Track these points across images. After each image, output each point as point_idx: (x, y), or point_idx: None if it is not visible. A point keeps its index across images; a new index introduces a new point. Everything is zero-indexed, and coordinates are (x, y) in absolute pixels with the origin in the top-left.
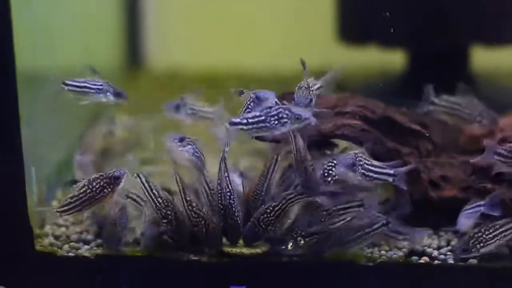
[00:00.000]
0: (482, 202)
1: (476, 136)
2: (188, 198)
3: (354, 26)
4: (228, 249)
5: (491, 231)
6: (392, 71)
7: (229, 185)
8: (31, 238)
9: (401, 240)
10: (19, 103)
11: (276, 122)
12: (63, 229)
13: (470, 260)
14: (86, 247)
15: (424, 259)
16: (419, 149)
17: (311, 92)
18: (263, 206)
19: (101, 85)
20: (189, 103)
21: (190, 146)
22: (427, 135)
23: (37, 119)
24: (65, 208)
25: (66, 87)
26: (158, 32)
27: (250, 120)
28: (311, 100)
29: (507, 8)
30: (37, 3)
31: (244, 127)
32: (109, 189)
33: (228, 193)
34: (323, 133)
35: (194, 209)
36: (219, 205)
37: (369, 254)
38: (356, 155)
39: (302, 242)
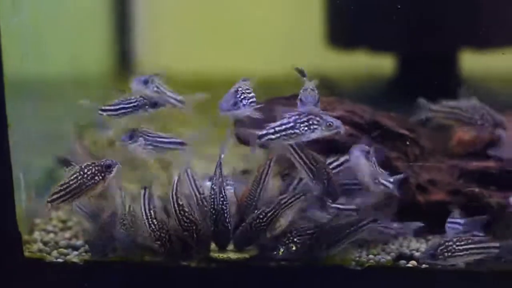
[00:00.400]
0: (461, 220)
1: (465, 140)
2: (180, 202)
3: (343, 31)
4: (215, 255)
5: (462, 243)
6: (381, 75)
7: (223, 191)
8: (20, 244)
9: (394, 235)
10: (7, 110)
11: (306, 128)
12: (51, 235)
13: (459, 264)
14: (75, 253)
15: (412, 263)
16: (407, 154)
17: (316, 93)
18: (256, 211)
19: (135, 101)
20: (156, 81)
21: (140, 138)
22: (410, 139)
23: (25, 126)
24: (55, 196)
25: (104, 113)
26: (148, 37)
27: (277, 129)
28: (318, 100)
29: (497, 12)
30: (26, 9)
31: (272, 136)
32: (100, 177)
33: (221, 199)
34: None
35: (186, 214)
36: (211, 210)
37: (357, 258)
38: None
39: (293, 248)
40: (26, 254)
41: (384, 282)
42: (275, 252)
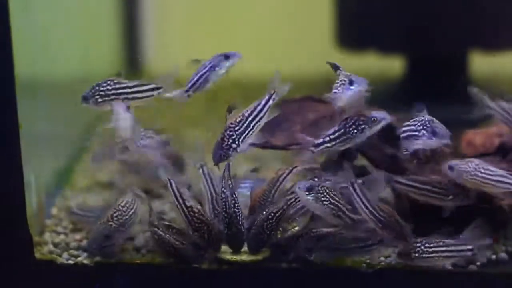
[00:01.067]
0: None
1: (475, 142)
2: (188, 204)
3: (352, 32)
4: (228, 257)
5: (432, 245)
6: (391, 77)
7: (234, 193)
8: (31, 246)
9: None
10: (18, 110)
11: (355, 130)
12: (62, 236)
13: (470, 266)
14: (86, 254)
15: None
16: (418, 156)
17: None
18: (265, 212)
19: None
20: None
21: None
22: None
23: (36, 127)
24: None
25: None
26: (157, 39)
27: (332, 137)
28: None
29: (505, 14)
30: (36, 10)
31: (329, 144)
32: None
33: (233, 201)
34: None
35: (196, 214)
36: (224, 213)
37: (368, 260)
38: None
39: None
40: (37, 255)
41: (395, 284)
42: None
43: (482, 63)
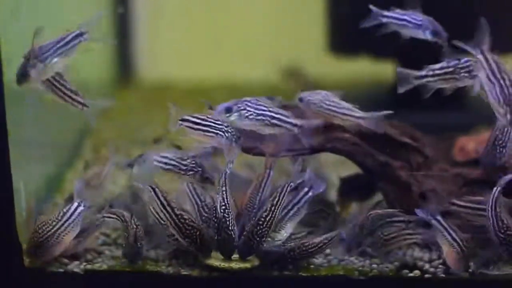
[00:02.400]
0: None
1: (468, 148)
2: (177, 212)
3: (345, 37)
4: (216, 263)
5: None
6: (383, 82)
7: (226, 199)
8: (20, 254)
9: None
10: (7, 117)
11: (467, 74)
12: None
13: (462, 274)
14: (76, 262)
15: (415, 272)
16: (410, 162)
17: None
18: (254, 218)
19: None
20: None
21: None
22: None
23: (25, 133)
24: None
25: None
26: (148, 45)
27: (437, 72)
28: None
29: (498, 20)
30: (25, 15)
31: (430, 79)
32: None
33: (223, 207)
34: (313, 147)
35: (186, 221)
36: (214, 218)
37: (361, 268)
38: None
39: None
40: (27, 264)
41: None
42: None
43: None
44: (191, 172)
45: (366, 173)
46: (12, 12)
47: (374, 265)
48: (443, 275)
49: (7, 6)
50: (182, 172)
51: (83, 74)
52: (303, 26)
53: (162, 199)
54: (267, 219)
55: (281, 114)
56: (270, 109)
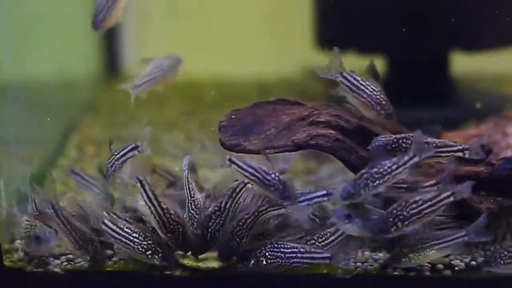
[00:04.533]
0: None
1: None
2: (164, 206)
3: (332, 33)
4: (191, 263)
5: (413, 207)
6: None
7: (194, 196)
8: (0, 254)
9: None
10: None
11: None
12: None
13: (446, 271)
14: (56, 262)
15: (399, 270)
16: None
17: None
18: (236, 219)
19: None
20: None
21: None
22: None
23: (5, 132)
24: None
25: None
26: (136, 41)
27: None
28: None
29: (486, 15)
30: (6, 10)
31: None
32: None
33: (193, 204)
34: (296, 143)
35: (172, 216)
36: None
37: (344, 266)
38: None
39: (264, 263)
40: (7, 263)
41: None
42: (245, 263)
43: (464, 64)
44: (272, 188)
45: (351, 170)
46: None
47: (359, 263)
48: (428, 273)
49: None
50: (264, 187)
51: (67, 71)
52: (291, 21)
53: (148, 191)
54: (248, 221)
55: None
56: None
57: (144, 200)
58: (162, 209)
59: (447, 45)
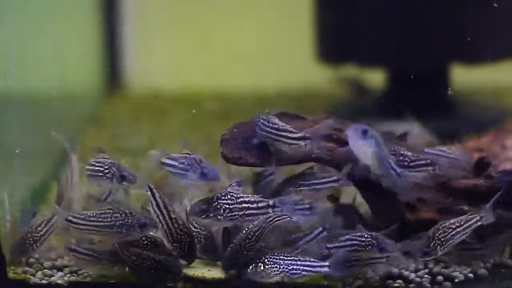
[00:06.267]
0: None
1: None
2: (173, 216)
3: (332, 46)
4: (190, 273)
5: (452, 229)
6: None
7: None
8: (4, 265)
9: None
10: None
11: None
12: (36, 256)
13: (445, 283)
14: (60, 274)
15: (399, 282)
16: None
17: None
18: (243, 231)
19: None
20: None
21: None
22: None
23: (9, 143)
24: None
25: None
26: (137, 54)
27: None
28: None
29: (486, 28)
30: (10, 24)
31: None
32: None
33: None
34: (295, 157)
35: (180, 226)
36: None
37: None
38: None
39: (261, 268)
40: (10, 275)
41: None
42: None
43: (463, 77)
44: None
45: (352, 182)
46: None
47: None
48: (428, 285)
49: None
50: None
51: (70, 83)
52: (292, 34)
53: (158, 200)
54: (256, 233)
55: None
56: None
57: (153, 209)
58: (171, 218)
59: (446, 59)
